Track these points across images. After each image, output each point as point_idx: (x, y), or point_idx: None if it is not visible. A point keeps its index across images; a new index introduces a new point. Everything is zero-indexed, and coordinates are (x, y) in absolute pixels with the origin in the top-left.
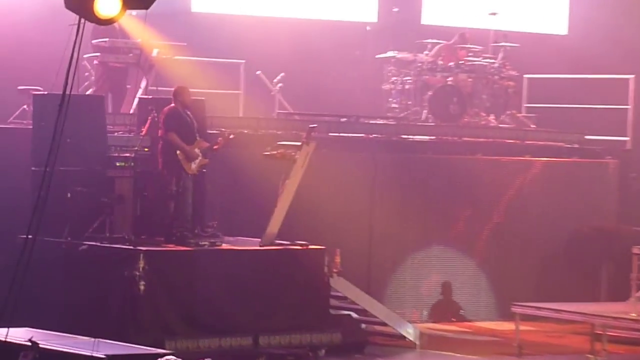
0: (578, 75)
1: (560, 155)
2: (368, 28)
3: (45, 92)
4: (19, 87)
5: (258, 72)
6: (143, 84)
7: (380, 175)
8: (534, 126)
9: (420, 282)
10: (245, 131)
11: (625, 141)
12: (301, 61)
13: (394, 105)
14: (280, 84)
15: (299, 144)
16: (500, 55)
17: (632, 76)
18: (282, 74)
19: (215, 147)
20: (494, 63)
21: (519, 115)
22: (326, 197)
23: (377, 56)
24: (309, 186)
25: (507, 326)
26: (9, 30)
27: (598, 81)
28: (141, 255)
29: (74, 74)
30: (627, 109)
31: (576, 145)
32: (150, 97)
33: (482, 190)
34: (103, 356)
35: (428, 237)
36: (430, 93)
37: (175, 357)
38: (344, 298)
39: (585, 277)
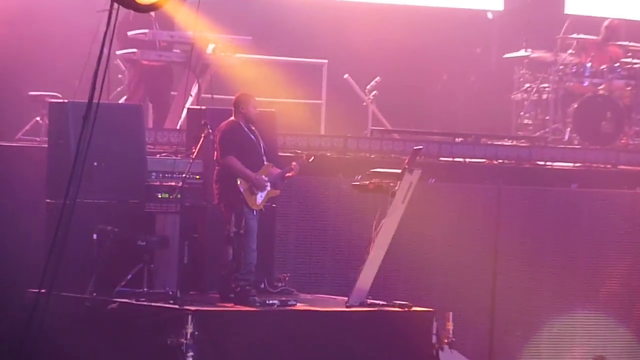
0: None
1: None
2: (490, 16)
3: (66, 100)
4: (31, 93)
5: (346, 76)
6: (194, 90)
7: (507, 213)
8: None
9: (559, 357)
10: (329, 154)
11: None
12: (403, 61)
13: (526, 121)
14: (374, 92)
15: (399, 171)
16: None
17: None
18: (377, 79)
19: (288, 174)
20: None
21: None
22: (435, 242)
23: (505, 56)
24: (413, 227)
25: None
26: (21, 18)
27: None
28: (189, 317)
29: (104, 76)
30: None
31: None
32: (203, 107)
33: None
34: None
35: (570, 297)
36: (575, 105)
37: None
38: None
39: None
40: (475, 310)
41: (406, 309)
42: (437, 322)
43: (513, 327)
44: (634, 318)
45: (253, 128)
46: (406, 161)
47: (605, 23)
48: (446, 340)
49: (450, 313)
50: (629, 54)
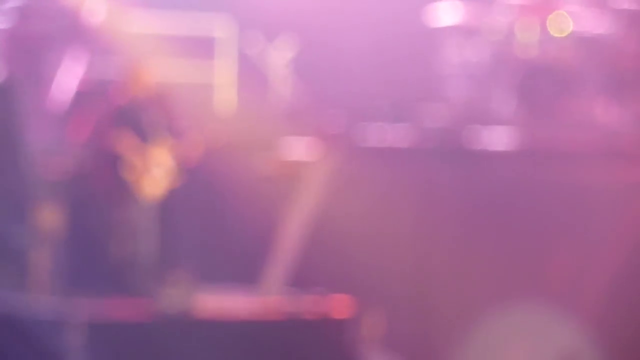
0: None
1: None
2: None
3: None
4: None
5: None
6: (79, 66)
7: (438, 199)
8: None
9: (500, 358)
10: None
11: None
12: (318, 20)
13: (456, 91)
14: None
15: (317, 148)
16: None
17: None
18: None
19: (192, 153)
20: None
21: None
22: (356, 234)
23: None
24: (330, 218)
25: None
26: None
27: None
28: (76, 325)
29: None
30: None
31: None
32: (88, 82)
33: (596, 221)
34: None
35: (512, 291)
36: (516, 74)
37: None
38: None
39: None
40: (404, 305)
41: (324, 296)
42: (363, 321)
43: (447, 323)
44: (586, 315)
45: (148, 107)
46: (324, 138)
47: None
48: (372, 340)
49: (379, 310)
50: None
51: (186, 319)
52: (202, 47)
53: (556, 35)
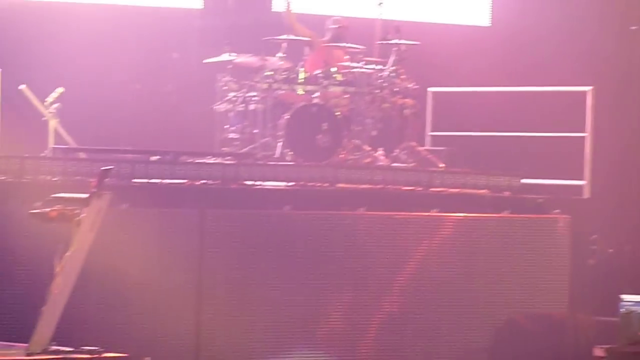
0: (510, 88)
1: (484, 209)
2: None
3: None
4: None
5: (22, 86)
6: None
7: (212, 242)
8: (443, 165)
9: None
10: (2, 177)
11: (580, 186)
12: (86, 69)
13: (232, 135)
14: (56, 104)
15: (85, 196)
16: (392, 59)
17: (590, 88)
18: (59, 89)
19: None
20: (382, 70)
21: (420, 149)
22: (127, 276)
23: (205, 60)
24: (103, 260)
25: None
26: None
27: (541, 95)
28: None
29: None
30: (582, 137)
31: (508, 194)
32: None
33: (368, 264)
34: None
35: (286, 336)
36: (286, 116)
37: None
38: None
39: None
40: (178, 353)
41: (96, 356)
42: None
43: None
44: (357, 358)
45: None
46: (93, 184)
47: (332, 21)
48: None
49: (148, 358)
50: (347, 57)
51: None
52: None
53: (333, 78)
